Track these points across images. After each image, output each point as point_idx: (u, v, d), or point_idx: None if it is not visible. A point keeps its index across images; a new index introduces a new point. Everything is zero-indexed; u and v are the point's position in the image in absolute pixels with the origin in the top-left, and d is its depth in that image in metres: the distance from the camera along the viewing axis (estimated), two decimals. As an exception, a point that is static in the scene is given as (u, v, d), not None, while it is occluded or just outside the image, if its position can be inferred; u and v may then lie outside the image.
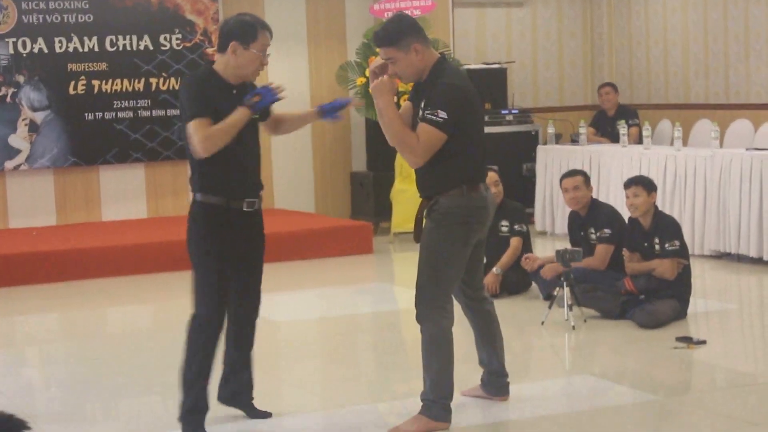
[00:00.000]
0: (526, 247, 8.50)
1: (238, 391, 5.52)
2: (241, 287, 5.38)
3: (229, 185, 5.22)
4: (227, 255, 5.23)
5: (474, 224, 5.26)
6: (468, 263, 5.33)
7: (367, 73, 10.94)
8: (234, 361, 5.49)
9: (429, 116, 5.13)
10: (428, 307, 5.22)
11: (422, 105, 5.21)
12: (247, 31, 5.18)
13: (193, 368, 5.23)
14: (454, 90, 5.20)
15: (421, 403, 5.30)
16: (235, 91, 5.24)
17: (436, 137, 5.13)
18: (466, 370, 5.75)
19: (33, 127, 11.28)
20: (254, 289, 5.45)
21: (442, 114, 5.11)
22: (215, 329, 5.25)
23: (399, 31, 5.23)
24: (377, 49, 5.35)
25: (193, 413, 5.23)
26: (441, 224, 5.21)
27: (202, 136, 5.07)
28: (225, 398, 5.54)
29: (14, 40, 11.17)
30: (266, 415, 5.50)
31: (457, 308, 5.42)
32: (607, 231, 7.89)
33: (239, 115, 5.15)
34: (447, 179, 5.22)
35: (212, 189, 5.21)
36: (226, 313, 5.29)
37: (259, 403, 5.54)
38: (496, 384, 5.66)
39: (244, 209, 5.26)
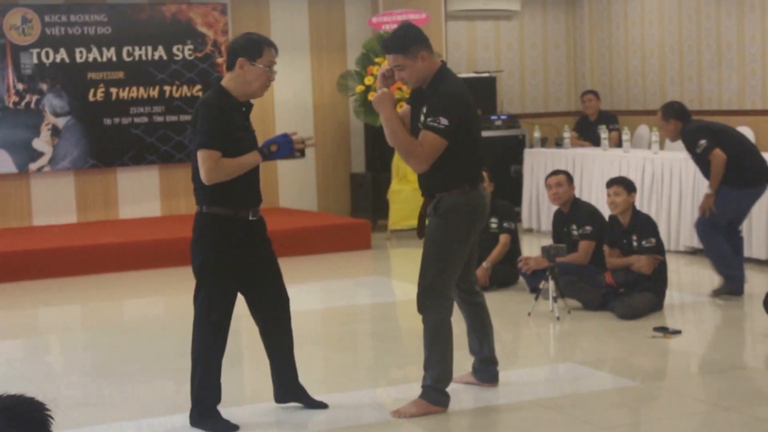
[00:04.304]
0: (514, 243, 8.49)
1: (290, 388, 5.37)
2: (267, 291, 5.27)
3: (236, 196, 5.08)
4: (236, 264, 5.11)
5: (475, 221, 5.24)
6: None
7: (372, 79, 10.97)
8: (278, 362, 5.35)
9: (431, 123, 5.06)
10: (431, 298, 5.19)
11: (424, 111, 5.15)
12: (253, 47, 5.07)
13: (201, 370, 5.12)
14: (455, 98, 5.13)
15: (418, 388, 5.28)
16: (243, 109, 5.13)
17: (439, 143, 5.07)
18: (457, 357, 5.74)
19: (55, 131, 11.27)
20: (280, 288, 5.32)
21: (444, 121, 5.04)
22: (226, 333, 5.16)
23: (408, 40, 5.15)
24: (386, 55, 5.25)
25: (208, 409, 5.12)
26: (445, 221, 5.16)
27: (210, 168, 4.95)
28: (281, 399, 5.39)
29: (38, 50, 11.16)
30: (323, 405, 5.36)
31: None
32: (588, 228, 7.87)
33: (251, 160, 5.05)
34: (449, 179, 5.17)
35: (219, 200, 5.06)
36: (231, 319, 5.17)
37: (262, 387, 5.51)
38: (486, 371, 5.64)
39: (250, 218, 5.14)
